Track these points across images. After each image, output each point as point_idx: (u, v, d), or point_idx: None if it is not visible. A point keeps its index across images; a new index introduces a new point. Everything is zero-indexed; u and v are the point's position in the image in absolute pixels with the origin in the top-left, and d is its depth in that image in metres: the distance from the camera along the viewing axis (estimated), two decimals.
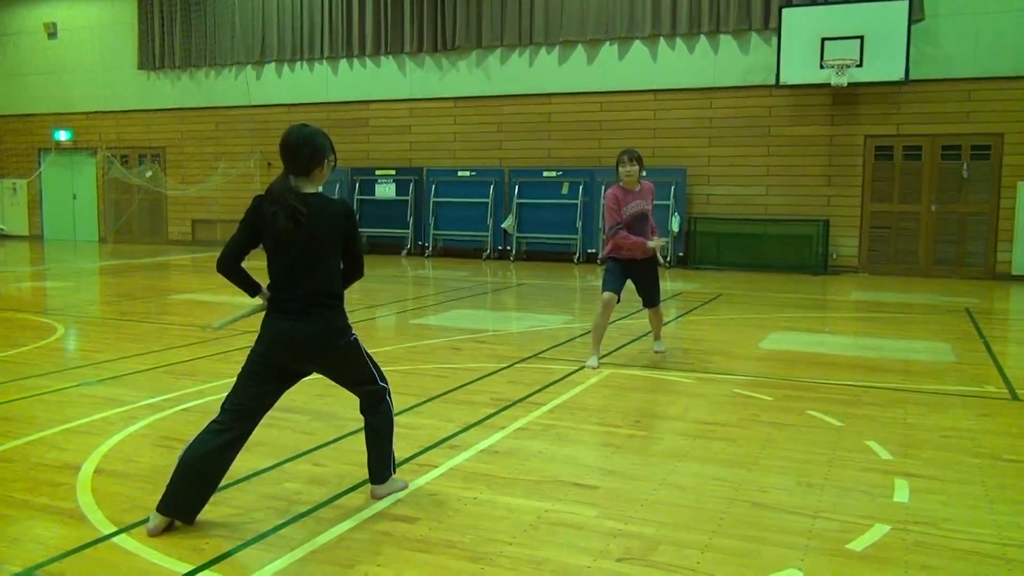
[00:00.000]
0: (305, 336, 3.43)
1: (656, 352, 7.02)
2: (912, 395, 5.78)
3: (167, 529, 3.33)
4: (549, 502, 3.72)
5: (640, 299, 6.86)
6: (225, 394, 3.52)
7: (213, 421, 3.45)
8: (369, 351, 3.70)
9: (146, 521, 3.38)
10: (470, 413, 5.15)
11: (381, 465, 3.74)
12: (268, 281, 3.50)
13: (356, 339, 3.61)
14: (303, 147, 3.42)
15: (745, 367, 6.67)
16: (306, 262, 3.42)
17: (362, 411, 3.73)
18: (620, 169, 6.45)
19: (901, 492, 3.88)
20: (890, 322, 9.23)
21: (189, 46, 19.41)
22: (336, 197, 3.59)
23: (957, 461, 4.37)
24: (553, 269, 14.84)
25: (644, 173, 6.70)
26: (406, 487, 3.85)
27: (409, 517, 3.53)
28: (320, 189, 3.57)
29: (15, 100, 21.73)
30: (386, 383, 3.74)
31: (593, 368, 6.46)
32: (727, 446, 4.57)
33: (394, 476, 3.82)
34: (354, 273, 3.64)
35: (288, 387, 3.58)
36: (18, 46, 21.61)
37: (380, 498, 3.72)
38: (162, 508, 3.34)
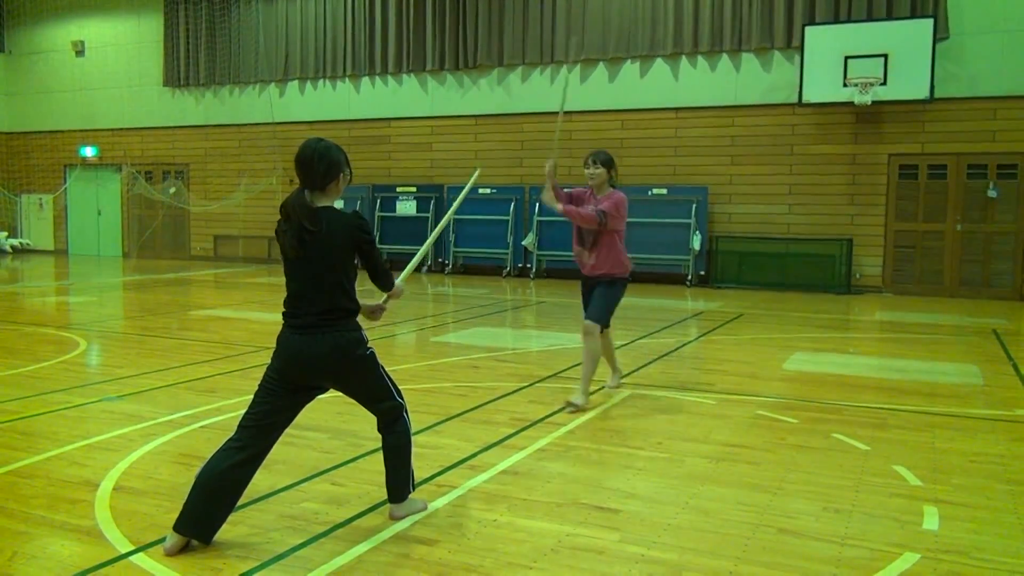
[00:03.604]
0: (320, 351, 3.40)
1: (608, 387, 6.31)
2: (940, 418, 5.67)
3: (184, 549, 3.31)
4: (570, 525, 3.66)
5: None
6: (244, 411, 3.50)
7: (230, 439, 3.43)
8: (386, 368, 3.67)
9: (164, 540, 3.36)
10: (490, 433, 5.10)
11: (399, 484, 3.69)
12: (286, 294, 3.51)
13: (372, 353, 3.57)
14: (318, 162, 3.42)
15: (769, 388, 6.58)
16: (319, 277, 3.42)
17: (379, 430, 3.69)
18: (585, 170, 5.88)
19: (931, 519, 3.79)
20: (916, 343, 9.10)
21: (214, 64, 19.64)
22: (349, 211, 3.54)
23: (988, 487, 4.26)
24: (573, 287, 14.74)
25: (614, 183, 5.85)
26: (426, 508, 3.80)
27: (428, 539, 3.49)
28: (342, 203, 3.56)
29: (43, 117, 22.07)
30: (403, 400, 3.70)
31: (579, 405, 5.70)
32: (751, 469, 4.49)
33: (413, 496, 3.78)
34: (377, 281, 3.66)
35: (305, 403, 3.56)
36: (46, 64, 21.96)
37: (399, 519, 3.67)
38: (179, 527, 3.31)
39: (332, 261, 3.42)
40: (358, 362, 3.50)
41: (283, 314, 3.52)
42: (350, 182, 3.57)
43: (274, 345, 3.51)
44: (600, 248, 5.76)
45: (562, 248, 16.14)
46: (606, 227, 5.69)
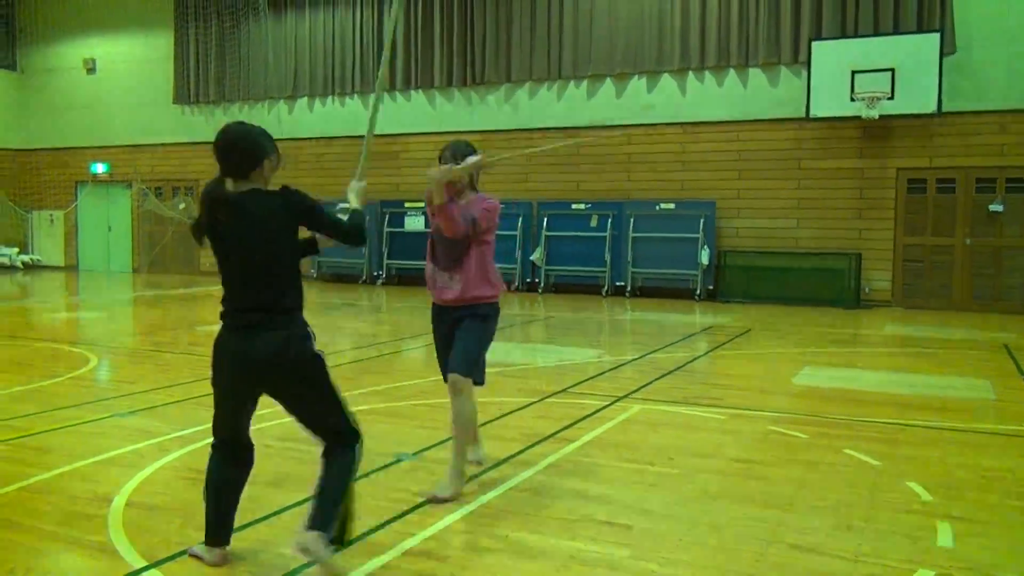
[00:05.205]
0: (262, 351, 3.10)
1: (470, 462, 4.49)
2: (951, 434, 5.65)
3: (203, 559, 3.34)
4: (581, 542, 3.66)
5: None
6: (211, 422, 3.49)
7: (214, 448, 3.40)
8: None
9: (178, 556, 3.38)
10: (499, 449, 5.10)
11: (320, 514, 3.14)
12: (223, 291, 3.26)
13: (322, 357, 3.20)
14: (236, 146, 3.15)
15: (779, 403, 6.56)
16: (254, 269, 3.12)
17: (323, 454, 3.28)
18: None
19: (944, 536, 3.77)
20: (926, 358, 9.06)
21: (223, 81, 19.78)
22: (278, 188, 3.18)
23: (1001, 504, 4.24)
24: (581, 302, 14.79)
25: (476, 187, 4.37)
26: (337, 572, 3.20)
27: (439, 555, 3.49)
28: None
29: (54, 134, 22.26)
30: (359, 430, 3.30)
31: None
32: (763, 485, 4.47)
33: (335, 555, 3.20)
34: (341, 237, 3.27)
35: (260, 393, 3.31)
36: (58, 82, 22.18)
37: (301, 551, 3.09)
38: (208, 541, 3.34)
39: (270, 250, 3.11)
40: (306, 364, 3.15)
41: (221, 314, 3.22)
42: (278, 167, 3.26)
43: None
44: (468, 267, 4.24)
45: (570, 263, 16.18)
46: (475, 238, 4.24)
